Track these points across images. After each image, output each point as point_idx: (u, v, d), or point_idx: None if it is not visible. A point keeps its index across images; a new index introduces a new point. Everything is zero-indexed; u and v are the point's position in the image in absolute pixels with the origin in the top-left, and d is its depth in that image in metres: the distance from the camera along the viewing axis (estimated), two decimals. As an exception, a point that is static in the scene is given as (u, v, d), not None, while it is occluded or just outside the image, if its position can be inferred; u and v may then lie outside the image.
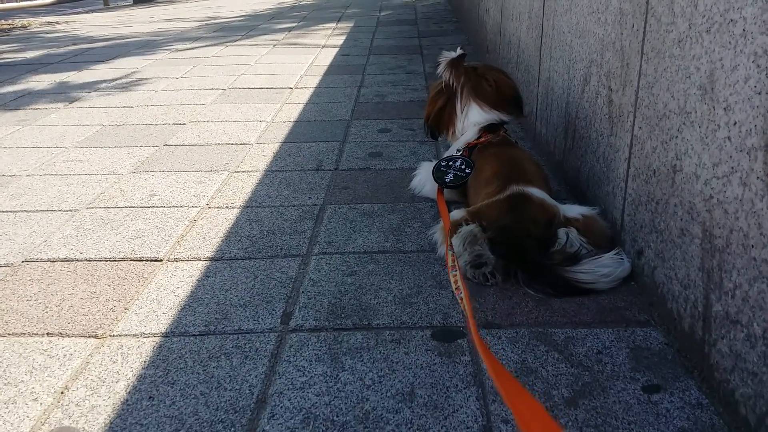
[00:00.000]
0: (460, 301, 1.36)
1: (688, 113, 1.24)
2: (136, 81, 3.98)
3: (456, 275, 1.42)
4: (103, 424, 1.14)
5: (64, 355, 1.34)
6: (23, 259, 1.75)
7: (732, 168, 1.08)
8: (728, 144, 1.09)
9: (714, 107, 1.14)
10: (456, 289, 1.40)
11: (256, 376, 1.26)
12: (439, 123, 2.13)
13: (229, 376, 1.26)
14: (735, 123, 1.07)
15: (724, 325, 1.11)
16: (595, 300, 1.48)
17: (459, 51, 2.10)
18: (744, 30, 1.04)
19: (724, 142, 1.11)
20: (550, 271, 1.48)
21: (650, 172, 1.42)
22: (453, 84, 2.06)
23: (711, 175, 1.15)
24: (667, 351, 1.29)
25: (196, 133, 2.86)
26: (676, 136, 1.29)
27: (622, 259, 1.53)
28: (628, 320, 1.40)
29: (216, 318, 1.46)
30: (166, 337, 1.40)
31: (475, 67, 2.09)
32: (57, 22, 7.28)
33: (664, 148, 1.35)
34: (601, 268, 1.49)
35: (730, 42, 1.08)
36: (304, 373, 1.26)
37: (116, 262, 1.72)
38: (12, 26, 6.91)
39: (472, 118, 2.04)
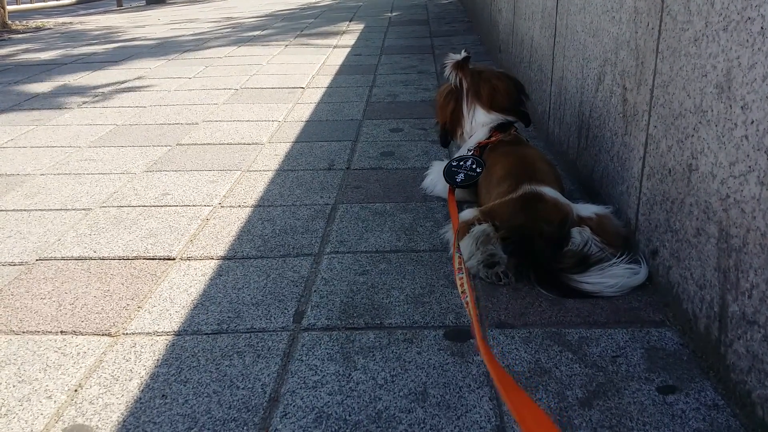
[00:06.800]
0: (466, 305, 1.35)
1: (704, 112, 1.23)
2: (149, 81, 4.00)
3: (462, 278, 1.40)
4: (117, 422, 1.15)
5: (78, 353, 1.35)
6: (37, 258, 1.77)
7: (749, 167, 1.07)
8: (745, 143, 1.08)
9: (731, 106, 1.13)
10: (462, 293, 1.39)
11: (268, 375, 1.26)
12: (451, 126, 2.13)
13: (242, 374, 1.26)
14: (752, 122, 1.06)
15: (741, 325, 1.09)
16: (609, 300, 1.46)
17: (464, 53, 2.09)
18: (762, 28, 1.03)
19: (741, 140, 1.09)
20: (557, 278, 1.47)
21: (665, 172, 1.41)
22: (459, 86, 2.06)
23: (728, 174, 1.14)
24: (682, 352, 1.28)
25: (209, 133, 2.87)
26: (692, 135, 1.28)
27: (638, 267, 1.50)
28: (643, 320, 1.39)
29: (228, 317, 1.46)
30: (179, 335, 1.40)
31: (480, 71, 2.09)
32: (71, 23, 7.33)
33: (679, 147, 1.34)
34: (608, 279, 1.47)
35: (747, 40, 1.07)
36: (316, 372, 1.26)
37: (129, 261, 1.73)
38: (27, 27, 6.97)
39: (479, 119, 2.05)
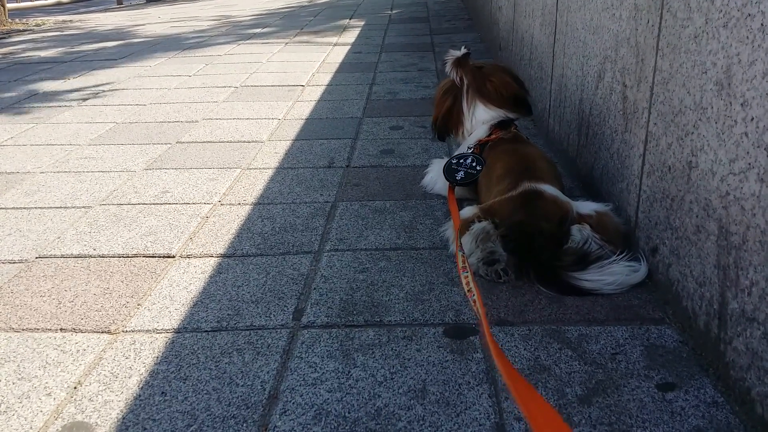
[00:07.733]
0: (473, 303, 1.35)
1: (704, 109, 1.22)
2: (150, 79, 4.00)
3: (467, 276, 1.40)
4: (116, 419, 1.15)
5: (78, 351, 1.35)
6: (37, 256, 1.77)
7: (749, 164, 1.07)
8: (745, 140, 1.08)
9: (731, 103, 1.12)
10: (468, 291, 1.39)
11: (268, 372, 1.26)
12: (448, 123, 2.13)
13: (241, 372, 1.26)
14: (752, 119, 1.06)
15: (741, 322, 1.09)
16: (609, 297, 1.46)
17: (464, 50, 2.09)
18: (762, 24, 1.03)
19: (741, 138, 1.09)
20: (557, 275, 1.47)
21: (665, 169, 1.41)
22: (459, 83, 2.06)
23: (727, 171, 1.14)
24: (682, 349, 1.28)
25: (209, 131, 2.86)
26: (692, 132, 1.27)
27: (638, 264, 1.50)
28: (643, 318, 1.39)
29: (228, 314, 1.46)
30: (179, 333, 1.40)
31: (481, 66, 2.09)
32: (71, 21, 7.32)
33: (679, 145, 1.34)
34: (608, 276, 1.46)
35: (747, 37, 1.07)
36: (315, 369, 1.26)
37: (129, 259, 1.73)
38: (26, 25, 6.97)
39: (479, 117, 2.04)
